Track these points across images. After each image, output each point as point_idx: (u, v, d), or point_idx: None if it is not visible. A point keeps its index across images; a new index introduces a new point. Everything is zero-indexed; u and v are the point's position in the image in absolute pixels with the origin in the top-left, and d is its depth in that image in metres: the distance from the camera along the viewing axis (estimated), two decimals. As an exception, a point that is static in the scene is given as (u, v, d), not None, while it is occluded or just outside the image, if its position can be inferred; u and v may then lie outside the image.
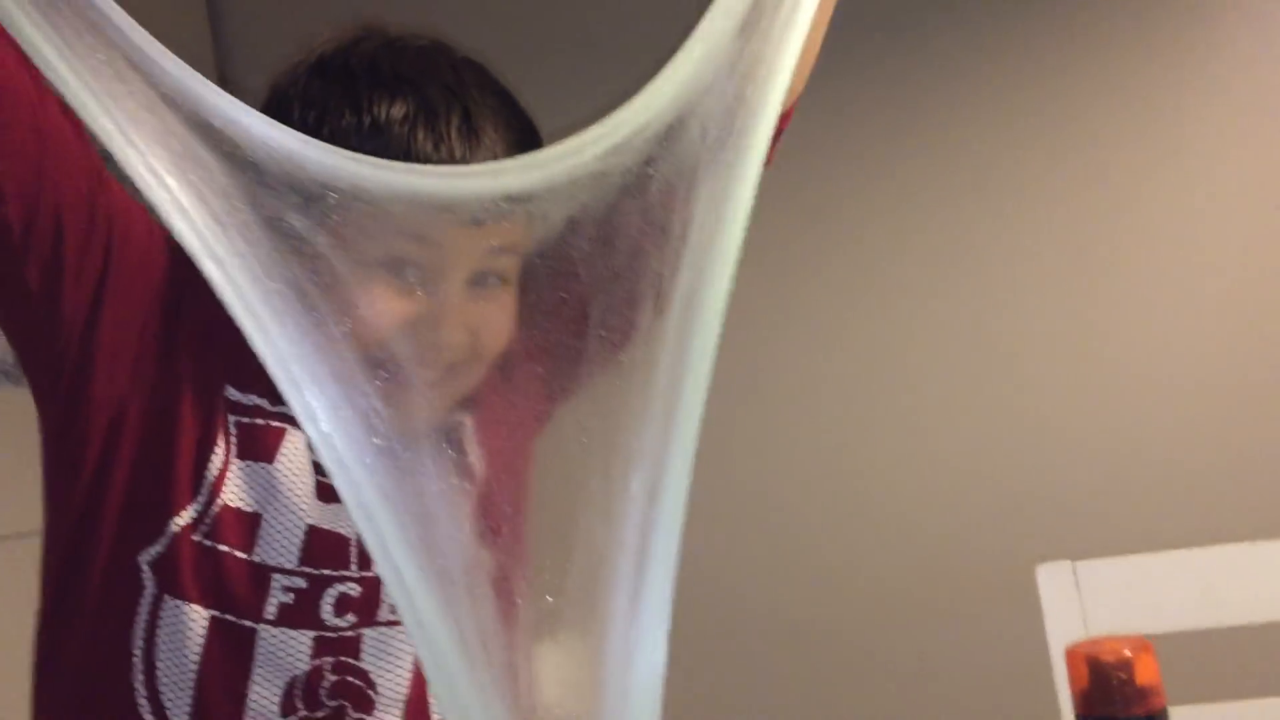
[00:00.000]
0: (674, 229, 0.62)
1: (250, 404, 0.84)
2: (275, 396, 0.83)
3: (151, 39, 0.55)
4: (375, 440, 0.57)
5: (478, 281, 0.80)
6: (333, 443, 0.55)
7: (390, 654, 0.88)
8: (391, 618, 0.87)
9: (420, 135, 0.76)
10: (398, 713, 0.88)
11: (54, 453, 0.86)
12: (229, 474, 0.83)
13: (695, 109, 0.63)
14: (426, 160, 0.76)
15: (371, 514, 0.55)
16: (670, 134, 0.63)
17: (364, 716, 0.87)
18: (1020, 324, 2.26)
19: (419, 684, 0.89)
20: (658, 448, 0.58)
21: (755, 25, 0.63)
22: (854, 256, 2.32)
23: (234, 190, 0.55)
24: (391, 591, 0.56)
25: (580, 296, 0.70)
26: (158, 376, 0.83)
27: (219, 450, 0.83)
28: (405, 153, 0.76)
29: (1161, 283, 2.16)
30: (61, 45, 0.52)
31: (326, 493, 0.85)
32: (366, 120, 0.77)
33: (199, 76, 0.56)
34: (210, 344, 0.81)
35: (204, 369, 0.83)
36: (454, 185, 0.64)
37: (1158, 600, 1.43)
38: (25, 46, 0.52)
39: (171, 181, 0.54)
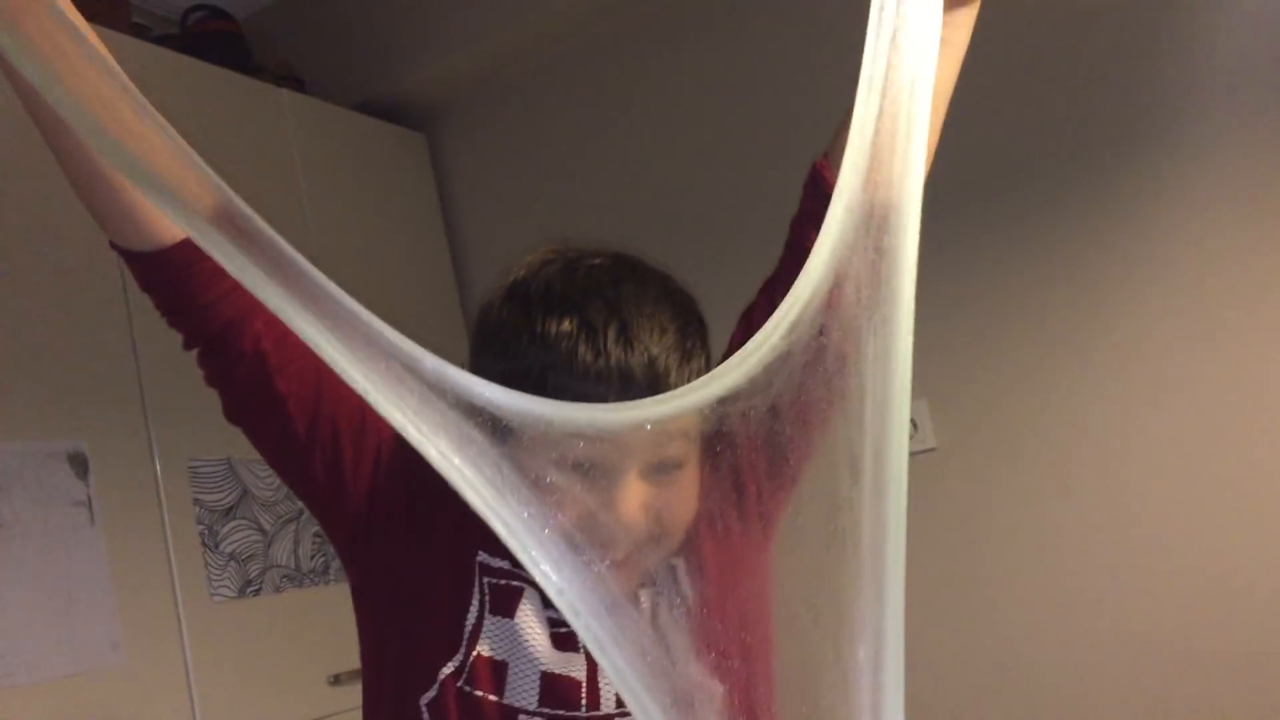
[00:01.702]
0: (852, 393, 0.64)
1: (498, 567, 0.95)
2: (518, 560, 0.98)
3: (414, 343, 0.65)
4: (600, 598, 0.66)
5: (658, 470, 0.88)
6: (570, 603, 0.65)
7: None
8: None
9: (582, 348, 0.85)
10: None
11: (357, 609, 1.03)
12: (483, 629, 0.94)
13: (847, 270, 0.64)
14: (588, 367, 0.84)
15: (607, 653, 0.64)
16: (832, 299, 0.65)
17: None
18: (1242, 456, 2.09)
19: None
20: (875, 613, 0.60)
21: (877, 174, 0.65)
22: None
23: (502, 459, 0.66)
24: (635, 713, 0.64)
25: (792, 478, 0.76)
26: (423, 544, 0.96)
27: (474, 607, 0.94)
28: (570, 363, 0.85)
29: None
30: (360, 364, 0.64)
31: (559, 642, 0.96)
32: (539, 338, 0.86)
33: (455, 367, 0.66)
34: (466, 517, 0.94)
35: (460, 538, 0.95)
36: (676, 405, 0.69)
37: None
38: (332, 366, 0.65)
39: (456, 460, 0.65)
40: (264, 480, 2.18)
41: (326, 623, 2.12)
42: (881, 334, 0.63)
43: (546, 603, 0.98)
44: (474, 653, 0.95)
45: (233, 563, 2.08)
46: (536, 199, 2.86)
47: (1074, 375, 2.26)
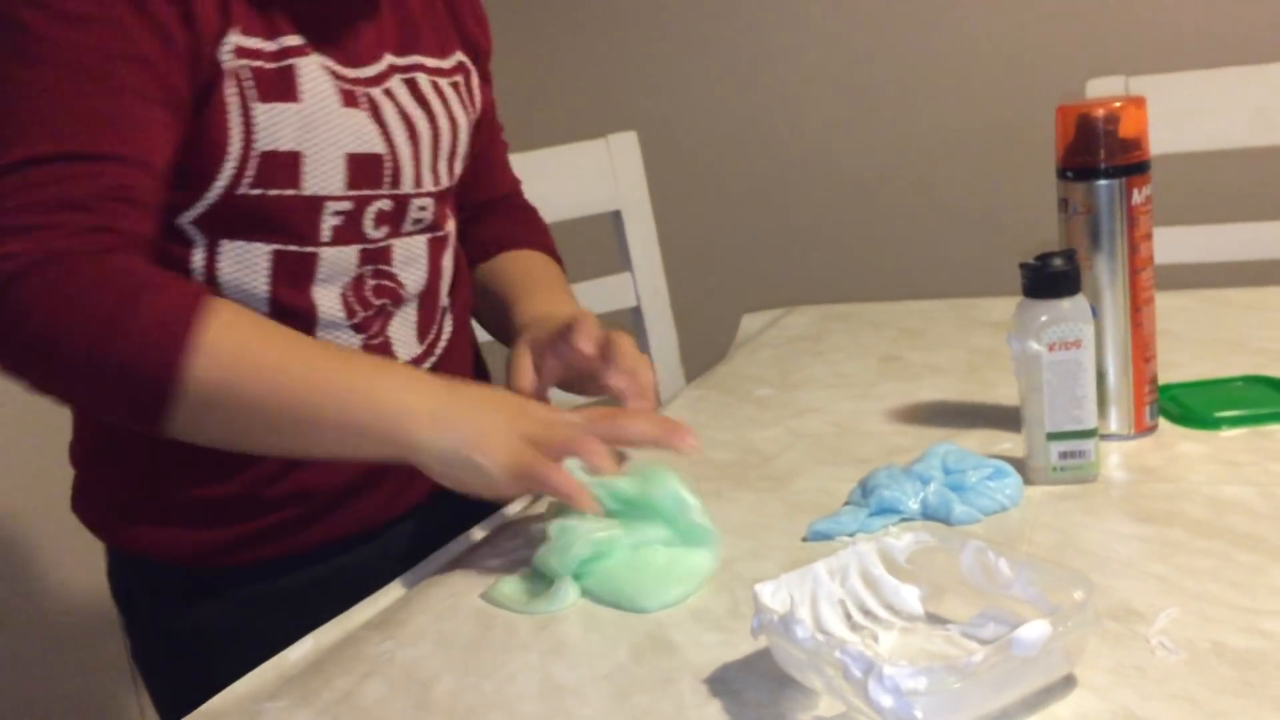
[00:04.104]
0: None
1: (254, 47, 0.86)
2: (273, 31, 0.87)
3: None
4: None
5: None
6: None
7: (413, 259, 0.98)
8: (413, 229, 0.98)
9: None
10: (415, 304, 1.00)
11: None
12: (255, 120, 0.85)
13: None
14: None
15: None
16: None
17: (396, 310, 0.98)
18: None
19: (430, 280, 1.00)
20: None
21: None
22: None
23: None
24: None
25: None
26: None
27: (233, 97, 0.85)
28: None
29: None
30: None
31: (350, 99, 0.90)
32: None
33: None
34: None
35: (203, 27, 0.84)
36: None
37: (1211, 117, 1.43)
38: None
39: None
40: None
41: None
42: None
43: (332, 55, 0.90)
44: (254, 150, 0.85)
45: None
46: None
47: None
